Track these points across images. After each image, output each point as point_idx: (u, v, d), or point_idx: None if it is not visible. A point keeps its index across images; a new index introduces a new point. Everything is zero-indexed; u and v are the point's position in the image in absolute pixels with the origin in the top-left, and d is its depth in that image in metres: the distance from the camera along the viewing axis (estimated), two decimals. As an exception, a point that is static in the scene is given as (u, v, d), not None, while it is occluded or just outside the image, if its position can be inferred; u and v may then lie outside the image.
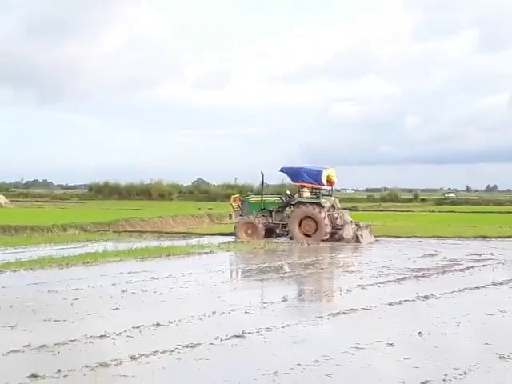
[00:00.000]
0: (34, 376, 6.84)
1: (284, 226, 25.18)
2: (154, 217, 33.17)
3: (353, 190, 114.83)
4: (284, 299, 11.52)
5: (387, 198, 71.74)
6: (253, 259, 18.43)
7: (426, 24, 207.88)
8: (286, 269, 15.90)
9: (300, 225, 24.51)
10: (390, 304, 11.26)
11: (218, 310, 10.57)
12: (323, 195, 25.35)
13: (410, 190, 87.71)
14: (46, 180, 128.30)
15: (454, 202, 68.96)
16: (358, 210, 48.39)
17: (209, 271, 15.39)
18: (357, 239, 23.89)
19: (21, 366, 7.38)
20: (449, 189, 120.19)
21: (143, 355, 7.72)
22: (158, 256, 18.44)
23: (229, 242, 22.77)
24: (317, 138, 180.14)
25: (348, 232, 24.15)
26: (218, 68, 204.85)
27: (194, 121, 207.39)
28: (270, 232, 25.49)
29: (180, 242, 22.63)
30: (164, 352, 7.89)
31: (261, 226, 25.06)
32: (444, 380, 6.90)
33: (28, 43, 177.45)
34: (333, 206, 25.39)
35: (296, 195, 25.63)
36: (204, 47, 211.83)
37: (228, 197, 60.26)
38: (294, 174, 25.72)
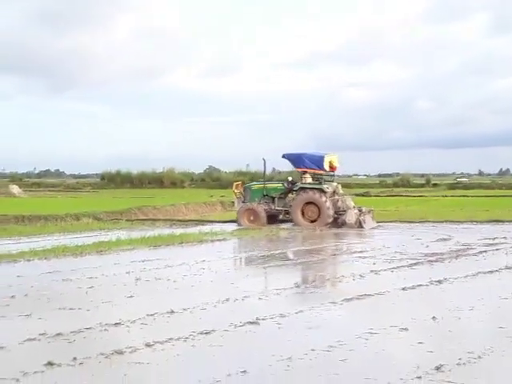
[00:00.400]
0: (50, 364, 6.90)
1: (287, 212, 25.30)
2: (167, 205, 33.23)
3: (365, 175, 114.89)
4: (297, 285, 11.55)
5: (399, 183, 71.55)
6: (266, 246, 18.43)
7: (437, 7, 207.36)
8: (299, 255, 15.91)
9: (302, 211, 24.62)
10: (403, 289, 11.26)
11: (231, 296, 10.60)
12: (325, 181, 25.38)
13: (422, 175, 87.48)
14: (58, 170, 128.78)
15: (466, 187, 68.70)
16: (371, 196, 48.34)
17: (222, 258, 15.44)
18: (359, 224, 23.92)
19: (37, 354, 7.43)
20: (461, 173, 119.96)
21: (158, 342, 7.77)
22: (171, 244, 18.49)
23: (241, 229, 22.80)
24: (327, 124, 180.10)
25: (350, 217, 24.17)
26: (227, 55, 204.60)
27: (205, 109, 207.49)
28: (272, 218, 25.58)
29: (193, 230, 22.68)
30: (178, 339, 7.93)
31: (262, 212, 25.18)
32: (458, 364, 6.91)
33: (38, 32, 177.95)
34: (335, 192, 25.49)
35: (298, 181, 25.68)
36: (212, 35, 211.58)
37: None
38: (295, 160, 25.83)
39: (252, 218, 25.17)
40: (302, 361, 7.09)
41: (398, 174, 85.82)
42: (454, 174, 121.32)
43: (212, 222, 27.28)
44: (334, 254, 15.94)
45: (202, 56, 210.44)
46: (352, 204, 25.08)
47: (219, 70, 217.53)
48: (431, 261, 14.78)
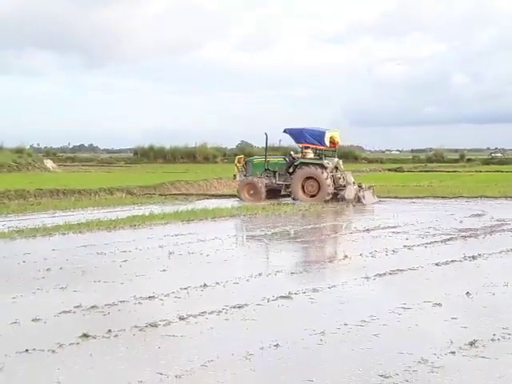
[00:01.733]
0: (85, 336, 6.98)
1: (287, 186, 25.40)
2: (199, 180, 33.34)
3: (398, 150, 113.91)
4: (330, 260, 11.54)
5: (433, 159, 70.90)
6: (298, 221, 18.43)
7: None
8: (331, 230, 15.89)
9: (303, 185, 24.76)
10: (436, 264, 11.20)
11: (264, 271, 10.64)
12: (326, 156, 25.44)
13: (456, 150, 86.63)
14: (91, 144, 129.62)
15: (501, 162, 67.84)
16: (404, 171, 48.05)
17: (254, 233, 15.45)
18: (358, 200, 23.94)
19: (72, 326, 7.52)
20: (496, 148, 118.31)
21: (191, 316, 7.82)
22: (204, 218, 18.57)
23: (273, 204, 22.79)
24: (361, 99, 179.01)
25: (350, 193, 24.23)
26: (264, 29, 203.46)
27: (239, 83, 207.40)
28: (273, 192, 25.77)
29: (225, 205, 22.72)
30: (212, 312, 7.98)
31: (262, 186, 25.33)
32: (492, 340, 6.87)
33: (73, 7, 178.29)
34: (336, 167, 25.55)
35: (300, 156, 25.81)
36: (249, 8, 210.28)
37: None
38: (297, 134, 25.88)
39: (252, 191, 25.40)
40: (334, 335, 7.10)
41: (431, 150, 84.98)
42: (488, 149, 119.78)
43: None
44: (367, 229, 15.87)
45: (239, 29, 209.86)
46: (352, 180, 25.07)
47: (255, 43, 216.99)
48: (465, 236, 14.68)
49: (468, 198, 25.25)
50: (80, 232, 15.40)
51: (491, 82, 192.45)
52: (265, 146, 27.62)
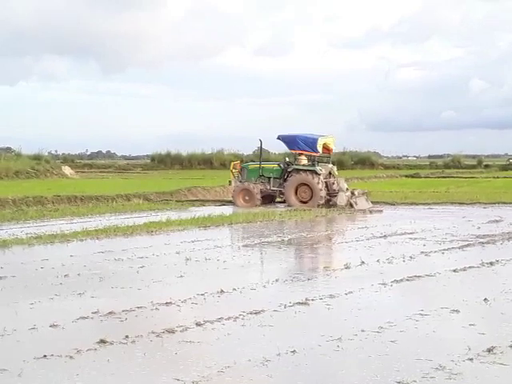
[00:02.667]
0: (102, 342, 7.01)
1: (281, 192, 25.72)
2: (216, 186, 33.38)
3: (415, 156, 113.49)
4: (347, 266, 11.52)
5: (450, 165, 70.60)
6: (314, 227, 18.43)
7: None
8: (347, 236, 15.86)
9: (296, 192, 25.08)
10: (454, 270, 11.16)
11: (280, 277, 10.64)
12: (319, 163, 25.77)
13: (474, 156, 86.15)
14: (109, 151, 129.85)
15: (519, 168, 67.43)
16: (421, 177, 47.88)
17: (271, 239, 15.46)
18: (350, 206, 24.18)
19: (90, 331, 7.56)
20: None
21: (208, 322, 7.84)
22: (221, 224, 18.59)
23: (290, 211, 22.79)
24: (379, 105, 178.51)
25: (341, 199, 24.51)
26: (282, 34, 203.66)
27: (257, 88, 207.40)
28: (268, 198, 26.20)
29: (241, 211, 22.74)
30: (228, 318, 7.99)
31: (257, 192, 25.65)
32: (510, 346, 6.83)
33: (91, 14, 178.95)
34: (330, 173, 25.90)
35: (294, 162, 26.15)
36: (266, 13, 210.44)
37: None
38: (290, 141, 26.28)
39: (247, 197, 25.70)
40: (351, 341, 7.09)
41: (448, 156, 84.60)
42: (506, 155, 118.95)
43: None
44: (384, 235, 15.84)
45: (257, 35, 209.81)
46: (345, 186, 25.47)
47: (273, 49, 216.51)
48: (482, 242, 14.61)
49: (485, 203, 25.13)
50: (97, 238, 15.47)
51: (510, 87, 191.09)
52: (259, 152, 28.11)
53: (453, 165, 70.36)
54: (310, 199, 24.79)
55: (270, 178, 26.18)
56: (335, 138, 27.25)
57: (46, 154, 59.09)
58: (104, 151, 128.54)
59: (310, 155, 25.81)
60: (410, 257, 12.59)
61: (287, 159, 27.01)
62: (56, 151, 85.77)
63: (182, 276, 10.93)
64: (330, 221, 20.48)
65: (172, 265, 12.01)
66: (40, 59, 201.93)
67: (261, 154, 27.84)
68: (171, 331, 7.44)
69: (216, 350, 6.95)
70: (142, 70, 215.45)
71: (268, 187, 26.04)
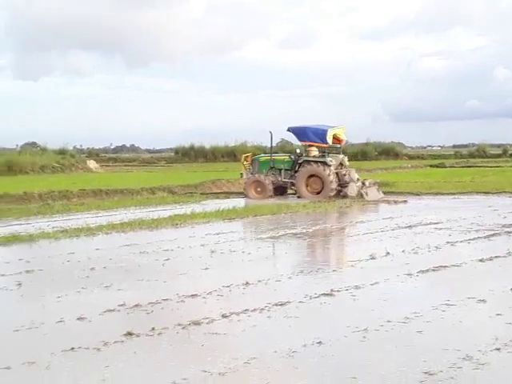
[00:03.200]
0: (129, 334, 7.06)
1: (293, 184, 25.78)
2: (240, 178, 33.36)
3: (439, 146, 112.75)
4: (372, 257, 11.48)
5: (475, 154, 70.04)
6: (339, 218, 18.40)
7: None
8: (372, 227, 15.79)
9: (307, 183, 25.14)
10: (480, 260, 11.09)
11: (305, 268, 10.63)
12: (330, 154, 25.81)
13: (499, 146, 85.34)
14: (133, 145, 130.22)
15: (545, 156, 66.75)
16: (446, 167, 47.57)
17: (295, 231, 15.44)
18: (361, 196, 24.21)
19: (117, 324, 7.61)
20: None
21: (234, 313, 7.86)
22: (245, 216, 18.61)
23: (314, 202, 22.74)
24: (402, 95, 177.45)
25: (352, 190, 24.56)
26: (304, 26, 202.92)
27: (279, 81, 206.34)
28: (279, 190, 26.25)
29: (266, 203, 22.75)
30: (254, 310, 8.01)
31: (269, 184, 25.68)
32: (538, 336, 6.79)
33: (115, 9, 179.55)
34: (341, 164, 25.90)
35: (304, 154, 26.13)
36: (290, 5, 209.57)
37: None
38: (300, 133, 26.28)
39: (259, 189, 25.71)
40: (377, 332, 7.08)
41: (473, 145, 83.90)
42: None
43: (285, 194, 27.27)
44: (409, 226, 15.76)
45: (279, 28, 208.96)
46: (356, 177, 25.48)
47: (296, 41, 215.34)
48: (509, 232, 14.49)
49: (511, 193, 24.93)
50: (123, 231, 15.54)
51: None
52: (270, 144, 28.11)
53: (478, 154, 69.77)
54: (321, 190, 24.88)
55: (281, 169, 26.23)
56: (345, 129, 27.23)
57: (71, 148, 59.60)
58: (128, 145, 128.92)
59: (321, 146, 25.86)
60: (436, 247, 12.53)
61: (298, 151, 26.98)
62: (81, 145, 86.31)
63: (207, 268, 10.96)
64: (354, 212, 20.41)
65: (197, 257, 12.04)
66: (65, 54, 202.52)
67: (271, 146, 27.88)
68: (197, 323, 7.47)
69: (242, 341, 6.98)
70: (165, 65, 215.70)
71: (279, 179, 26.10)
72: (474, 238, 13.59)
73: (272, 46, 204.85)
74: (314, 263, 11.16)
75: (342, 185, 25.16)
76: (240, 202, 23.35)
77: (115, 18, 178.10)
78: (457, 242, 13.19)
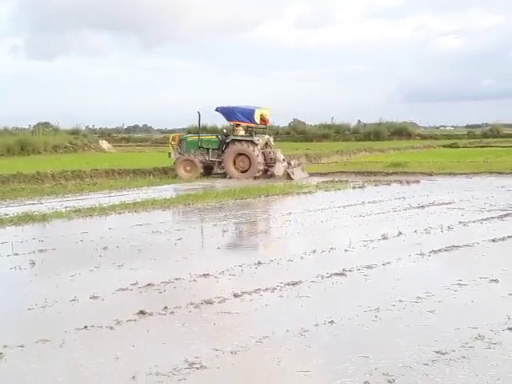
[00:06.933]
0: (142, 313, 7.11)
1: (220, 163, 26.25)
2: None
3: (452, 126, 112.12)
4: (384, 237, 11.48)
5: (489, 134, 69.56)
6: (349, 198, 18.33)
7: None
8: (385, 207, 15.76)
9: (234, 162, 25.70)
10: (493, 240, 11.06)
11: (317, 248, 10.63)
12: (257, 133, 26.41)
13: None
14: (145, 125, 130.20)
15: (559, 136, 66.21)
16: (459, 147, 47.29)
17: (307, 211, 15.44)
18: (287, 176, 25.05)
19: (129, 303, 7.65)
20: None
21: (246, 293, 7.89)
22: (257, 196, 18.62)
23: (327, 182, 22.73)
24: (417, 74, 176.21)
25: (279, 169, 25.42)
26: (319, 6, 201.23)
27: (293, 61, 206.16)
28: (208, 169, 26.71)
29: (278, 183, 22.76)
30: (266, 290, 8.03)
31: (199, 163, 26.07)
32: (551, 316, 6.78)
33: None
34: (267, 144, 26.65)
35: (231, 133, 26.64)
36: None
37: (325, 137, 60.14)
38: (228, 113, 26.80)
39: (188, 168, 26.02)
40: (389, 312, 7.09)
41: (487, 125, 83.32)
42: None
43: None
44: (422, 206, 15.71)
45: (294, 7, 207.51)
46: (282, 157, 26.18)
47: (311, 21, 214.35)
48: (522, 212, 14.43)
49: (526, 173, 24.79)
50: (135, 211, 15.59)
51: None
52: (198, 124, 28.26)
53: (491, 134, 69.27)
54: (248, 169, 25.52)
55: (208, 149, 26.65)
56: (270, 109, 27.87)
57: (84, 128, 59.52)
58: (141, 125, 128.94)
59: (248, 126, 26.42)
60: (448, 227, 12.50)
61: (225, 131, 27.57)
62: (93, 125, 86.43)
63: (219, 248, 11.00)
64: (366, 192, 20.34)
65: (209, 237, 12.07)
66: (79, 34, 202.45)
67: (199, 126, 28.16)
68: (209, 302, 7.50)
69: (254, 320, 7.01)
70: (179, 45, 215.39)
71: (207, 158, 26.51)
72: (487, 218, 13.54)
73: (286, 26, 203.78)
74: (325, 243, 11.15)
75: (269, 164, 25.97)
76: (255, 182, 23.33)
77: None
78: (469, 222, 13.15)
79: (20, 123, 66.72)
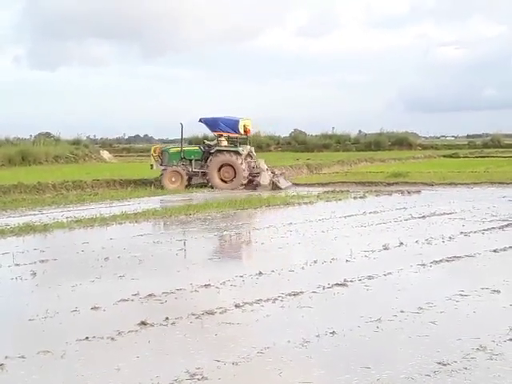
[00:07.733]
0: (143, 323, 7.09)
1: (204, 173, 26.23)
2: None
3: (453, 136, 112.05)
4: (385, 247, 11.47)
5: (489, 144, 69.52)
6: (352, 209, 18.32)
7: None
8: (385, 218, 15.76)
9: (219, 172, 25.81)
10: (494, 251, 11.05)
11: (319, 258, 10.62)
12: (240, 144, 26.50)
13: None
14: (146, 135, 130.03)
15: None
16: (459, 157, 47.28)
17: (309, 221, 15.44)
18: (273, 185, 25.16)
19: (130, 314, 7.64)
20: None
21: (247, 303, 7.88)
22: (258, 207, 18.62)
23: (328, 192, 22.72)
24: (418, 84, 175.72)
25: (264, 179, 25.52)
26: (321, 15, 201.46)
27: (294, 70, 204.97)
28: (190, 180, 26.76)
29: (279, 193, 22.76)
30: (267, 300, 8.03)
31: (185, 174, 26.14)
32: (553, 327, 6.76)
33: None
34: (249, 155, 26.80)
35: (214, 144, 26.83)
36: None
37: (326, 147, 60.17)
38: (212, 124, 27.04)
39: (173, 179, 26.04)
40: (391, 322, 7.08)
41: (487, 135, 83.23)
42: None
43: (298, 184, 27.27)
44: (423, 216, 15.72)
45: (295, 16, 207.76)
46: (265, 166, 26.35)
47: (313, 30, 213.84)
48: (524, 222, 14.42)
49: (527, 183, 24.77)
50: (136, 221, 15.60)
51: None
52: (181, 136, 28.11)
53: (492, 144, 69.25)
54: (233, 179, 25.60)
55: (191, 160, 26.63)
56: (252, 120, 28.09)
57: (85, 138, 59.58)
58: (141, 135, 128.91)
59: (230, 137, 26.62)
60: (450, 237, 12.49)
61: (206, 142, 27.91)
62: (94, 136, 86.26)
63: (220, 258, 10.99)
64: (369, 202, 20.35)
65: (210, 247, 12.07)
66: (82, 44, 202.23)
67: (182, 138, 28.10)
68: (211, 313, 7.49)
69: (255, 331, 7.00)
70: (180, 54, 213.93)
71: (190, 169, 26.51)
72: (488, 229, 13.53)
73: (287, 35, 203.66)
74: (327, 253, 11.14)
75: (253, 174, 26.03)
76: (256, 192, 23.34)
77: (132, 6, 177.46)
78: (470, 232, 13.15)
79: (21, 132, 66.95)
